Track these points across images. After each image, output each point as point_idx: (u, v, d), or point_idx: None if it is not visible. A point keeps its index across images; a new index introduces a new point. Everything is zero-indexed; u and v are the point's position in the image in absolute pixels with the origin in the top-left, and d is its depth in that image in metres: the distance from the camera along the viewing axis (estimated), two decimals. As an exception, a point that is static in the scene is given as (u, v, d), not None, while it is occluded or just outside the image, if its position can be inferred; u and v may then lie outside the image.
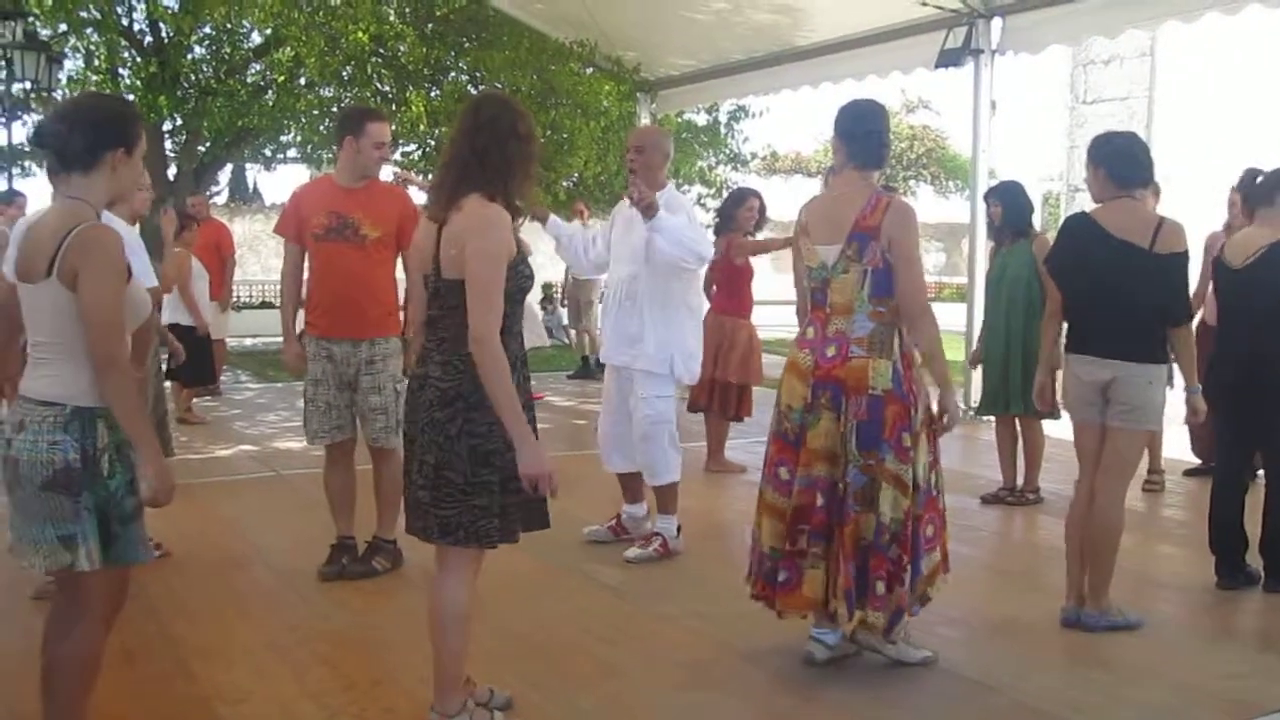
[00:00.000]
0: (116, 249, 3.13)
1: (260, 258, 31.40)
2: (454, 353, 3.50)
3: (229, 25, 18.87)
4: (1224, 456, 5.72)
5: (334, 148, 5.58)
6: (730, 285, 8.16)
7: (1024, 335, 7.18)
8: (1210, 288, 6.23)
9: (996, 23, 9.80)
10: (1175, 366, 4.99)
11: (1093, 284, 4.84)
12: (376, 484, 5.63)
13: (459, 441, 3.47)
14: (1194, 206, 7.63)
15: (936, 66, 9.77)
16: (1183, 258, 4.78)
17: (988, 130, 10.08)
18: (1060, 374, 5.09)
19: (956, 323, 7.45)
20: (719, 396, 8.12)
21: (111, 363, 3.09)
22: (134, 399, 3.19)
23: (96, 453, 3.10)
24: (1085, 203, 12.42)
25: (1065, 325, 5.06)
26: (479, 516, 3.49)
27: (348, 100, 16.43)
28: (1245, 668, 4.61)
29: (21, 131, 17.32)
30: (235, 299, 25.00)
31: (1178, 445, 8.05)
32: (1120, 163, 4.87)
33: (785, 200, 12.95)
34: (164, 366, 6.47)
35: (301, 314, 5.60)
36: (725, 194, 11.80)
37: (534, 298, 15.18)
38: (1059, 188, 15.44)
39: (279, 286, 5.90)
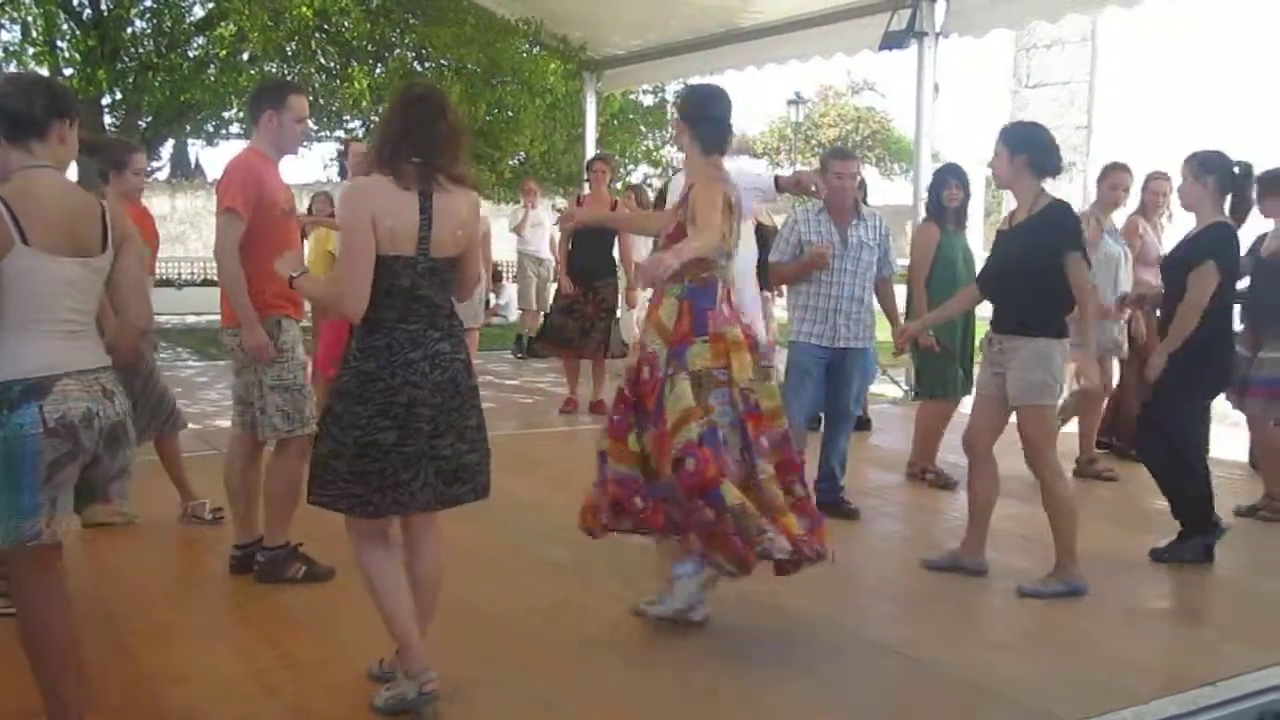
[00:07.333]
0: None
1: (202, 234, 31.01)
2: (455, 325, 3.76)
3: (170, -1, 18.66)
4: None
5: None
6: None
7: (969, 321, 7.22)
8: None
9: (940, 5, 9.86)
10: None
11: None
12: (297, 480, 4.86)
13: (478, 401, 3.84)
14: (1132, 191, 7.72)
15: (880, 49, 9.82)
16: None
17: (931, 113, 10.16)
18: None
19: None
20: None
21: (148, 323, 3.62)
22: None
23: None
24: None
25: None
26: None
27: (292, 76, 16.27)
28: (1178, 642, 4.71)
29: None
30: (178, 276, 24.89)
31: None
32: (1046, 153, 5.06)
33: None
34: None
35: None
36: (672, 174, 11.80)
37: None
38: (1001, 170, 15.55)
39: (225, 265, 4.93)
